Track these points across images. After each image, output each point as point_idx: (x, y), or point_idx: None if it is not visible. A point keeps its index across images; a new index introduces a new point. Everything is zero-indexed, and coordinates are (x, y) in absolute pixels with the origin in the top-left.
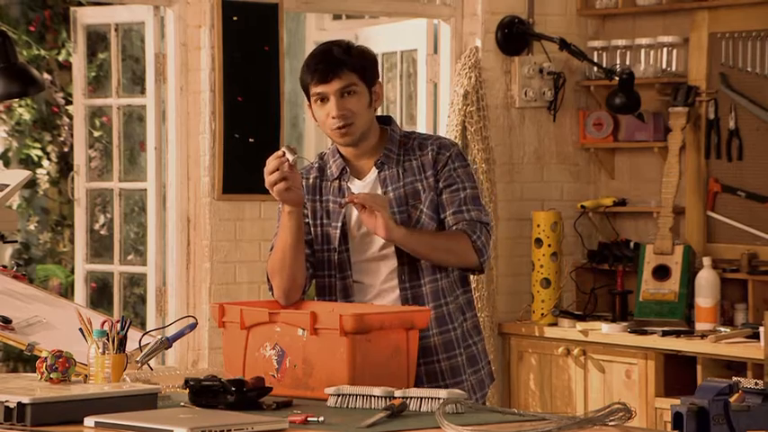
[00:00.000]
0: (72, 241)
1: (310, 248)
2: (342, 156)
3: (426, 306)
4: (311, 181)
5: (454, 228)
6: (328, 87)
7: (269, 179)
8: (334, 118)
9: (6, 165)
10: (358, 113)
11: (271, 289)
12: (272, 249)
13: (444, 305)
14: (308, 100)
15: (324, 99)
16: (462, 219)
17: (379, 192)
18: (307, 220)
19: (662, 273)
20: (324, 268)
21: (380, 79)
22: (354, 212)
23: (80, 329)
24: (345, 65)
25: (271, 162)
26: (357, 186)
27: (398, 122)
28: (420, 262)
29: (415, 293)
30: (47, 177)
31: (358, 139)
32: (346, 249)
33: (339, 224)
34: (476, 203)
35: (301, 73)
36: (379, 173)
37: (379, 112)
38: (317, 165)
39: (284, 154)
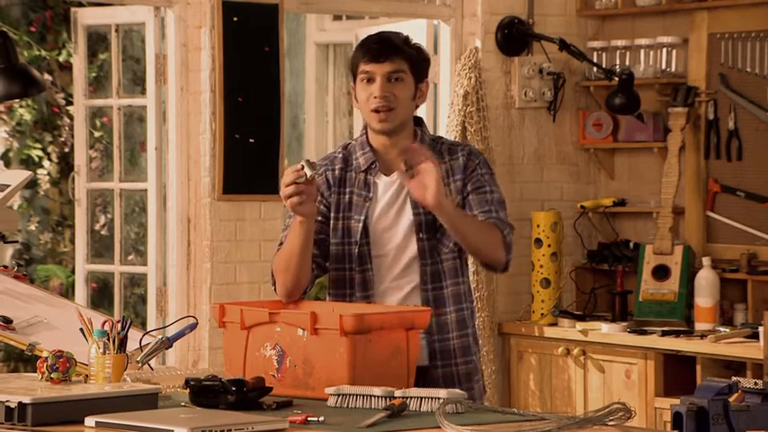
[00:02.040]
0: (72, 241)
1: (319, 249)
2: (372, 149)
3: (447, 308)
4: (336, 173)
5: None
6: (378, 68)
7: (284, 191)
8: (375, 98)
9: (7, 165)
10: (401, 101)
11: (273, 284)
12: (280, 245)
13: (465, 309)
14: (354, 80)
15: (371, 79)
16: (490, 216)
17: (405, 190)
18: (320, 218)
19: (661, 273)
20: (343, 261)
21: (428, 80)
22: (379, 208)
23: (81, 329)
24: (400, 51)
25: (288, 175)
26: (384, 183)
27: None
28: (443, 264)
29: (437, 295)
30: (47, 178)
31: (394, 128)
32: (367, 243)
33: (362, 218)
34: (502, 207)
35: (354, 52)
36: (407, 171)
37: None
38: (341, 155)
39: (303, 167)
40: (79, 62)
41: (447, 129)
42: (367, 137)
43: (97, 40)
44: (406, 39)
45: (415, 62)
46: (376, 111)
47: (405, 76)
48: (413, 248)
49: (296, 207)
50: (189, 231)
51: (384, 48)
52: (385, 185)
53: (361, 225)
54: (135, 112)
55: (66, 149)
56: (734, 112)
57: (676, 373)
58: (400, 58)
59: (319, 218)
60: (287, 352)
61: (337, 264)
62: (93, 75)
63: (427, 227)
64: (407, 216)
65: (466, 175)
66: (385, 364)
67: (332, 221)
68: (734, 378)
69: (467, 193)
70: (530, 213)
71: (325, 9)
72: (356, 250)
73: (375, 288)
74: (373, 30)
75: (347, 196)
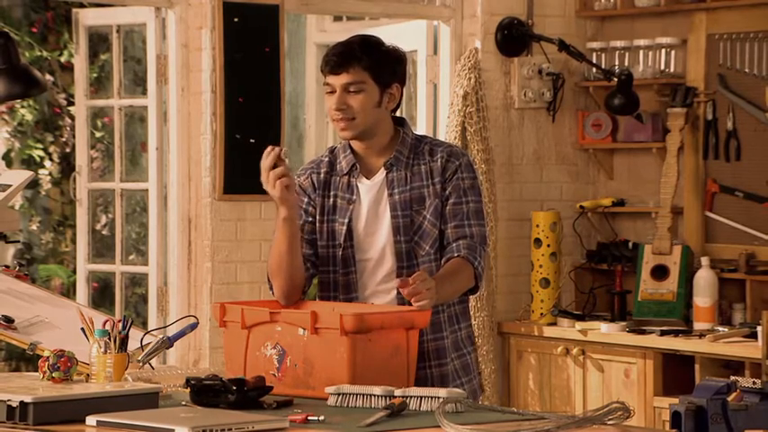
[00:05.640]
0: (74, 241)
1: (312, 248)
2: (353, 152)
3: None
4: (322, 176)
5: (454, 245)
6: (336, 80)
7: (274, 173)
8: (333, 110)
9: (9, 165)
10: (360, 111)
11: (271, 288)
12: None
13: (441, 312)
14: None
15: (332, 90)
16: (463, 234)
17: (386, 193)
18: (311, 219)
19: (660, 273)
20: (328, 264)
21: (401, 81)
22: (362, 211)
23: (82, 329)
24: (359, 61)
25: (267, 158)
26: (365, 185)
27: None
28: (418, 267)
29: None
30: (49, 178)
31: (359, 135)
32: (351, 246)
33: (346, 221)
34: (478, 218)
35: (321, 61)
36: (387, 174)
37: None
38: (327, 159)
39: (274, 149)
40: (80, 63)
41: (447, 129)
42: (349, 141)
43: (98, 41)
44: (370, 45)
45: (378, 69)
46: (334, 120)
47: (364, 86)
48: (393, 250)
49: (284, 191)
50: (190, 231)
51: (341, 59)
52: (366, 188)
53: (344, 228)
54: (136, 113)
55: (68, 149)
56: (732, 113)
57: (675, 373)
58: (359, 69)
59: (310, 219)
60: (287, 351)
61: (322, 266)
62: (95, 75)
63: (405, 230)
64: (387, 219)
65: (445, 179)
66: (385, 363)
67: (317, 224)
68: (732, 377)
69: (444, 199)
70: (529, 213)
71: (325, 10)
72: (340, 253)
73: (360, 291)
74: (373, 30)
75: (331, 199)
